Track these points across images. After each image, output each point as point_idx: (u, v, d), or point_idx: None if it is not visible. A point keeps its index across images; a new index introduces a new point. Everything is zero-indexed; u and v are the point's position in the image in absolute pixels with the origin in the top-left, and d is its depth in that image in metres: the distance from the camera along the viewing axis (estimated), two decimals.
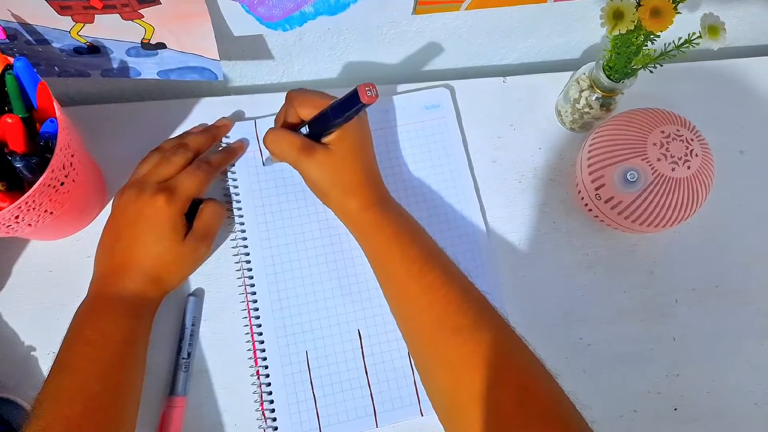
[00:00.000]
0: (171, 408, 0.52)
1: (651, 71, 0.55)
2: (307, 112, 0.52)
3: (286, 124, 0.54)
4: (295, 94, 0.53)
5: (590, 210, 0.61)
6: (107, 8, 0.48)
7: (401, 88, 0.66)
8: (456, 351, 0.44)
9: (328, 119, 0.50)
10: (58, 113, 0.45)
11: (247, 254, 0.57)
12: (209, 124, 0.61)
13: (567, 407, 0.41)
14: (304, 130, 0.52)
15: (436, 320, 0.46)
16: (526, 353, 0.44)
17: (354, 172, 0.51)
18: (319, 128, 0.51)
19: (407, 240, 0.50)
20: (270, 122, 0.61)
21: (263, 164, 0.60)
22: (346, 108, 0.48)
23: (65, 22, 0.49)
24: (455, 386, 0.44)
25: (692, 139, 0.55)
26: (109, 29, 0.51)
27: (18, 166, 0.45)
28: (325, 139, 0.51)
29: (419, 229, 0.52)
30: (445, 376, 0.45)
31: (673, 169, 0.54)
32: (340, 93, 0.64)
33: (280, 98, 0.63)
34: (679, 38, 0.51)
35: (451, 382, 0.44)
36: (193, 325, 0.55)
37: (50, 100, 0.46)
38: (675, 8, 0.49)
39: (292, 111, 0.53)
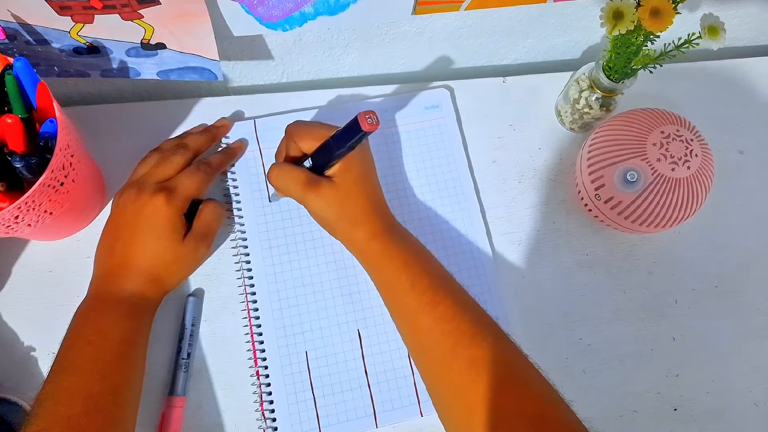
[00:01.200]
0: (171, 408, 0.52)
1: (651, 71, 0.55)
2: (309, 145, 0.51)
3: (288, 158, 0.53)
4: (295, 127, 0.52)
5: (590, 210, 0.61)
6: (107, 8, 0.48)
7: (401, 88, 0.66)
8: (471, 383, 0.43)
9: (331, 150, 0.49)
10: (57, 113, 0.45)
11: (247, 254, 0.57)
12: (209, 124, 0.61)
13: None
14: (307, 163, 0.51)
15: (450, 352, 0.45)
16: (541, 382, 0.44)
17: (359, 203, 0.51)
18: (321, 160, 0.50)
19: (417, 269, 0.49)
20: (270, 122, 0.62)
21: (269, 200, 0.59)
22: (347, 137, 0.47)
23: (65, 23, 0.49)
24: (470, 418, 0.43)
25: (692, 140, 0.55)
26: (108, 29, 0.51)
27: (18, 166, 0.45)
28: (328, 171, 0.51)
29: (428, 256, 0.51)
30: (460, 407, 0.44)
31: (672, 170, 0.54)
32: (346, 94, 0.65)
33: (279, 98, 0.64)
34: (679, 38, 0.51)
35: (465, 414, 0.44)
36: (192, 325, 0.55)
37: (50, 100, 0.46)
38: (675, 8, 0.49)
39: (293, 145, 0.52)
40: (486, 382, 0.43)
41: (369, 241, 0.51)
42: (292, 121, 0.53)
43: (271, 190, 0.59)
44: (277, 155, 0.56)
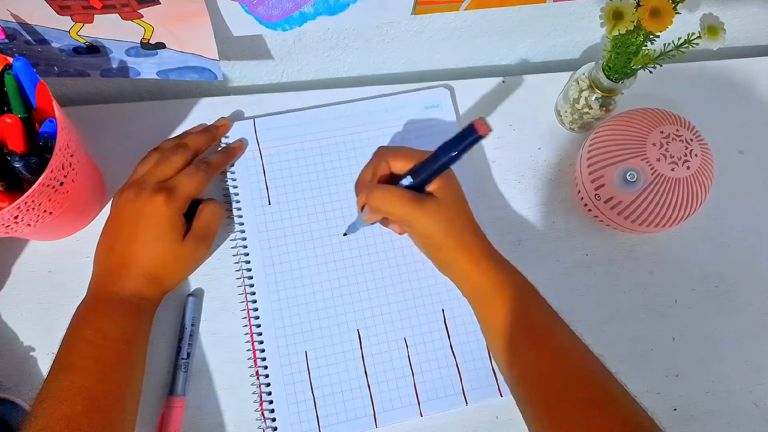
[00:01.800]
0: (170, 408, 0.52)
1: (650, 71, 0.55)
2: (402, 165, 0.51)
3: (379, 181, 0.52)
4: (388, 148, 0.52)
5: (590, 210, 0.61)
6: (107, 8, 0.48)
7: (401, 88, 0.66)
8: (585, 426, 0.42)
9: (436, 161, 0.48)
10: (57, 113, 0.45)
11: (247, 254, 0.57)
12: (208, 124, 0.61)
13: None
14: (406, 181, 0.50)
15: (561, 391, 0.44)
16: (653, 427, 0.42)
17: (463, 220, 0.51)
18: (424, 175, 0.49)
19: (525, 302, 0.48)
20: (269, 122, 0.62)
21: (345, 234, 0.59)
22: (459, 143, 0.47)
23: (64, 22, 0.49)
24: None
25: (692, 140, 0.55)
26: (108, 29, 0.51)
27: (17, 166, 0.45)
28: (428, 188, 0.50)
29: (532, 288, 0.50)
30: None
31: (672, 169, 0.54)
32: (346, 94, 0.65)
33: (279, 98, 0.64)
34: (679, 38, 0.51)
35: None
36: (192, 325, 0.55)
37: (49, 100, 0.46)
38: (674, 8, 0.49)
39: (383, 165, 0.52)
40: (599, 426, 0.42)
41: (473, 264, 0.49)
42: (381, 146, 0.53)
43: (354, 219, 0.58)
44: (361, 180, 0.54)
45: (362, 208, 0.54)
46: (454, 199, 0.51)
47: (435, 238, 0.50)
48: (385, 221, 0.56)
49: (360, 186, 0.54)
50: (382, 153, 0.52)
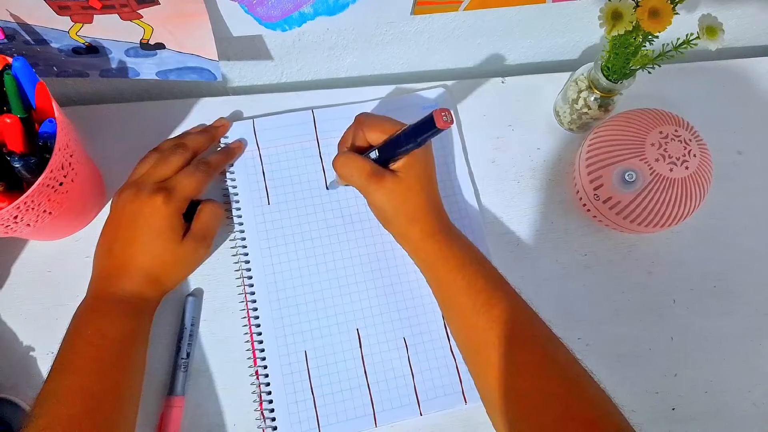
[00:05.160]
0: (170, 408, 0.52)
1: (649, 72, 0.55)
2: (377, 137, 0.52)
3: (354, 148, 0.54)
4: (366, 118, 0.53)
5: (588, 210, 0.61)
6: (106, 8, 0.48)
7: (400, 88, 0.66)
8: (525, 385, 0.44)
9: (400, 144, 0.49)
10: (56, 113, 0.45)
11: (246, 254, 0.57)
12: (208, 124, 0.61)
13: None
14: (373, 154, 0.52)
15: (505, 355, 0.45)
16: (595, 388, 0.44)
17: (419, 200, 0.51)
18: (388, 153, 0.51)
19: (472, 271, 0.50)
20: (268, 122, 0.62)
21: (327, 188, 0.60)
22: (419, 133, 0.48)
23: (64, 22, 0.49)
24: (522, 419, 0.44)
25: (690, 140, 0.55)
26: (107, 29, 0.51)
27: (17, 166, 0.45)
28: (393, 165, 0.51)
29: (483, 258, 0.52)
30: (514, 409, 0.44)
31: (671, 170, 0.54)
32: (346, 94, 0.65)
33: (278, 98, 0.64)
34: (678, 39, 0.51)
35: (518, 416, 0.44)
36: (192, 325, 0.55)
37: (49, 100, 0.46)
38: (673, 9, 0.49)
39: (360, 134, 0.53)
40: (540, 386, 0.43)
41: (425, 240, 0.51)
42: (361, 112, 0.54)
43: (331, 177, 0.60)
44: (341, 143, 0.56)
45: None
46: (416, 179, 0.51)
47: (386, 212, 0.52)
48: None
49: (338, 148, 0.57)
50: (360, 121, 0.53)
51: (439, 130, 0.46)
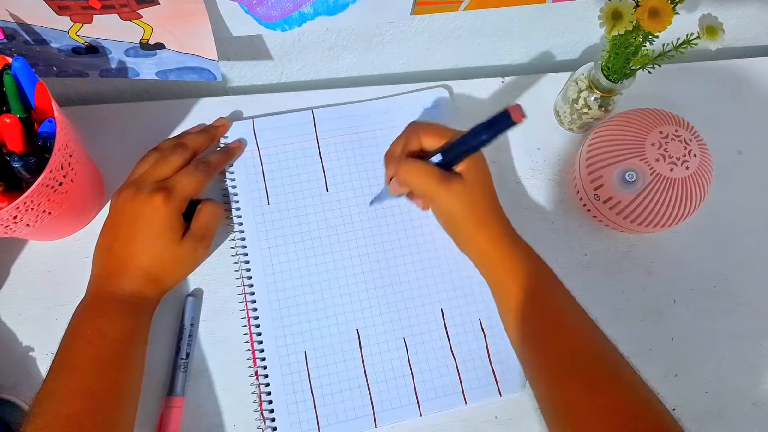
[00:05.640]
0: (169, 408, 0.52)
1: (649, 72, 0.55)
2: (433, 142, 0.51)
3: (410, 155, 0.53)
4: (420, 124, 0.53)
5: (589, 210, 0.61)
6: (106, 8, 0.48)
7: (400, 88, 0.66)
8: (591, 404, 0.43)
9: (467, 143, 0.49)
10: (56, 113, 0.45)
11: (246, 254, 0.57)
12: (207, 124, 0.61)
13: None
14: (436, 158, 0.51)
15: (570, 370, 0.45)
16: (663, 412, 0.43)
17: (487, 201, 0.51)
18: (454, 155, 0.50)
19: (541, 282, 0.49)
20: (268, 122, 0.62)
21: (371, 203, 0.60)
22: (492, 129, 0.47)
23: (63, 22, 0.49)
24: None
25: (690, 140, 0.55)
26: (107, 29, 0.51)
27: (16, 166, 0.45)
28: (457, 168, 0.51)
29: (550, 271, 0.51)
30: (572, 426, 0.43)
31: (671, 170, 0.54)
32: (345, 94, 0.65)
33: (278, 98, 0.64)
34: (678, 39, 0.51)
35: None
36: (191, 325, 0.55)
37: (48, 100, 0.46)
38: (673, 9, 0.49)
39: (414, 141, 0.52)
40: (603, 405, 0.43)
41: (490, 244, 0.50)
42: (412, 121, 0.54)
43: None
44: (389, 154, 0.55)
45: (390, 179, 0.54)
46: (480, 180, 0.51)
47: (456, 217, 0.51)
48: (410, 195, 0.57)
49: (390, 158, 0.55)
50: (415, 128, 0.53)
51: (514, 124, 0.46)
